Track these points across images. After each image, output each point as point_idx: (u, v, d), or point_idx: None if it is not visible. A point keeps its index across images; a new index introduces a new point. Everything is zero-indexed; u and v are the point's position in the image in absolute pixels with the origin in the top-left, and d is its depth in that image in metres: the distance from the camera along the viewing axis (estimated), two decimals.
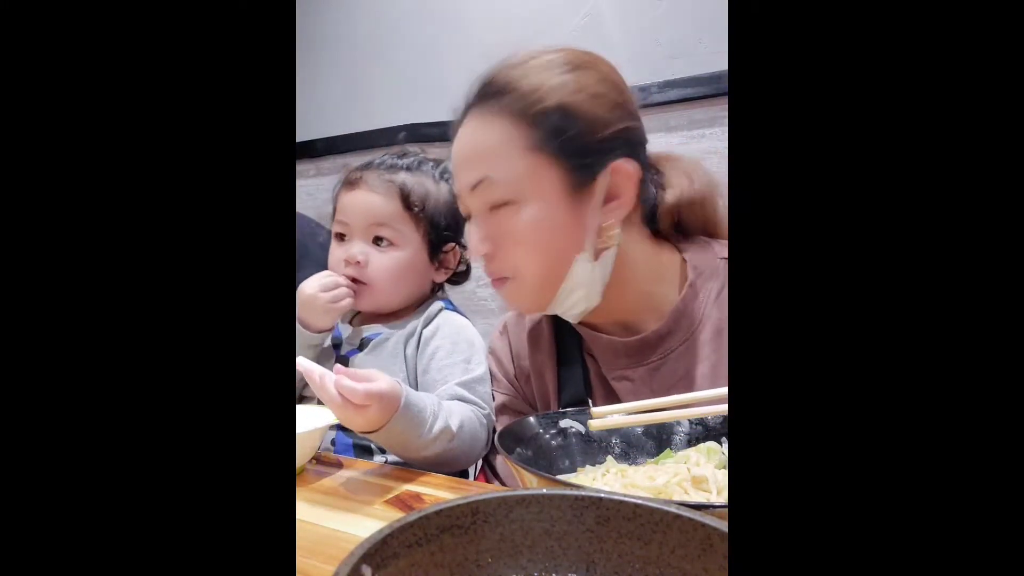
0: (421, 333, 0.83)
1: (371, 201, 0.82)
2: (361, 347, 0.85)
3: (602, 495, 0.30)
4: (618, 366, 0.68)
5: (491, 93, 0.63)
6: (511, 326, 0.80)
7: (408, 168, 0.86)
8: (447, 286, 0.93)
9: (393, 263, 0.83)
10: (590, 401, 0.69)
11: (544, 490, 0.30)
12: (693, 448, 0.54)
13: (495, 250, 0.63)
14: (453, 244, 0.88)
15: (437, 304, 0.86)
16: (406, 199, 0.82)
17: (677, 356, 0.65)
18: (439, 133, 1.83)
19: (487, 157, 0.62)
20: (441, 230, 0.85)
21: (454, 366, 0.78)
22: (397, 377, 0.77)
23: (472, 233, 0.64)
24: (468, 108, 0.65)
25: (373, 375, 0.59)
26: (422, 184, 0.85)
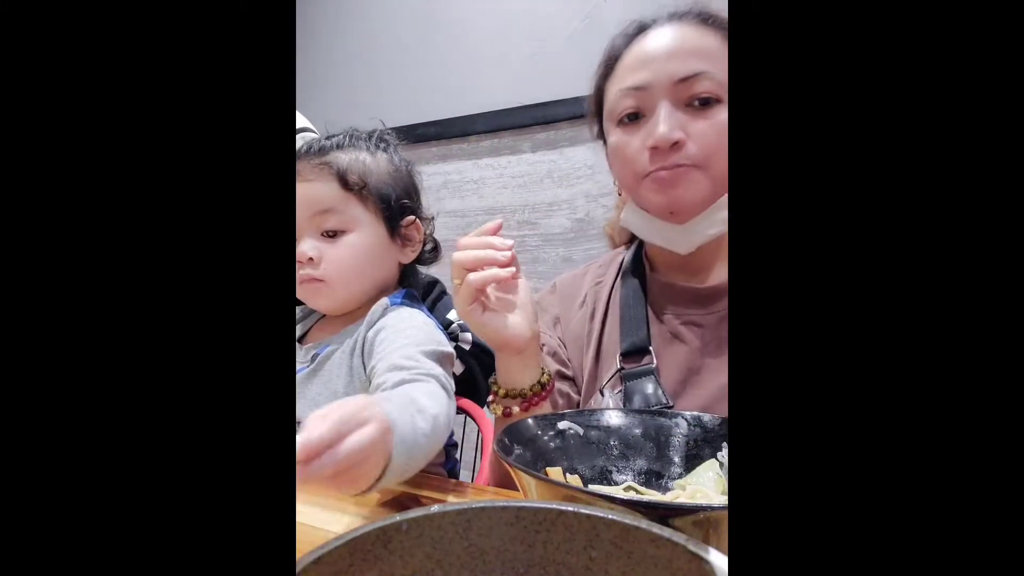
0: (365, 338, 0.72)
1: (310, 189, 0.74)
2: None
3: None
4: (688, 312, 0.71)
5: (709, 16, 0.68)
6: (561, 285, 0.83)
7: (339, 146, 0.78)
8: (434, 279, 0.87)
9: (350, 252, 0.74)
10: (651, 351, 0.70)
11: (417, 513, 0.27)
12: (693, 474, 0.53)
13: (686, 140, 0.64)
14: (413, 217, 0.79)
15: (382, 302, 0.74)
16: (343, 178, 0.74)
17: None
18: (437, 132, 1.84)
19: (705, 55, 0.65)
20: (392, 202, 0.77)
21: (403, 347, 0.65)
22: (339, 395, 0.67)
23: (664, 120, 0.65)
24: (666, 18, 0.69)
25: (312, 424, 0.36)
26: (358, 159, 0.77)
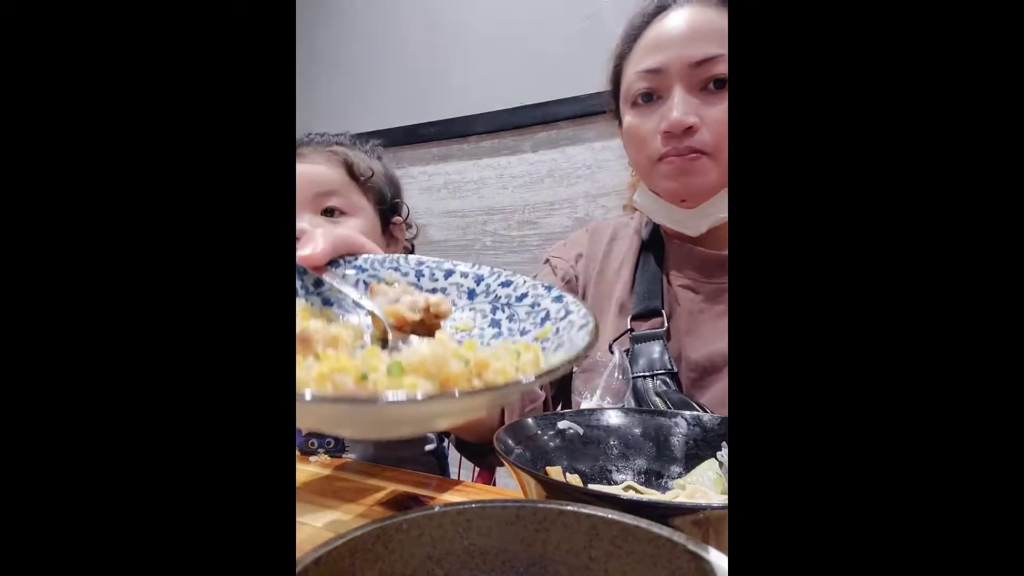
0: None
1: (315, 171, 0.76)
2: None
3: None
4: (688, 273, 0.73)
5: None
6: (592, 229, 0.85)
7: (342, 144, 0.83)
8: None
9: None
10: (664, 314, 0.71)
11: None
12: (693, 473, 0.53)
13: (699, 125, 0.65)
14: (401, 218, 0.86)
15: None
16: (351, 168, 0.79)
17: None
18: (438, 132, 1.83)
19: (722, 38, 0.64)
20: (388, 198, 0.83)
21: None
22: None
23: (677, 105, 0.65)
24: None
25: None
26: (362, 155, 0.83)
